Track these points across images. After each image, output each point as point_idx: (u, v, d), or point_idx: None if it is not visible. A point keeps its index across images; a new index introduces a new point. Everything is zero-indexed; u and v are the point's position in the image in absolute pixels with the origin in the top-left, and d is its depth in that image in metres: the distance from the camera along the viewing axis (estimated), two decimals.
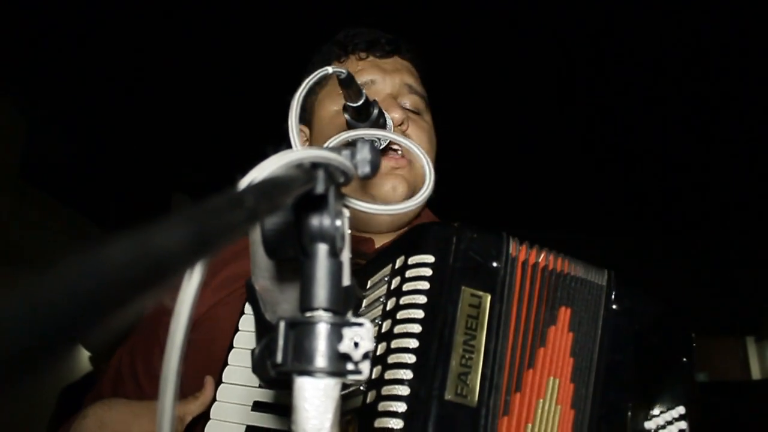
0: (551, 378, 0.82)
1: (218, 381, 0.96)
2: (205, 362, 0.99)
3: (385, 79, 1.18)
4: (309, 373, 0.46)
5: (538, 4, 3.53)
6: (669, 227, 6.44)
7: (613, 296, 0.89)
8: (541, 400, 0.81)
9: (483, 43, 3.85)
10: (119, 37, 3.73)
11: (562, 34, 3.76)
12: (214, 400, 0.96)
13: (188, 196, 5.73)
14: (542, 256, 0.86)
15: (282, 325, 0.47)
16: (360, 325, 0.46)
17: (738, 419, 6.33)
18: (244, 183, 0.39)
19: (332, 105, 1.17)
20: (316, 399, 0.46)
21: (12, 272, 3.79)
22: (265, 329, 0.69)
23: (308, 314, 0.47)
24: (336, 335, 0.46)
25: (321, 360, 0.46)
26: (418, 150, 0.71)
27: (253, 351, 0.64)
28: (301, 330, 0.47)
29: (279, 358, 0.47)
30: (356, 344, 0.45)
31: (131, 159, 5.09)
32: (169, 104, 4.38)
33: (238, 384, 0.96)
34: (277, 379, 0.50)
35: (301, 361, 0.46)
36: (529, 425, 0.79)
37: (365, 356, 0.46)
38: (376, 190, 1.11)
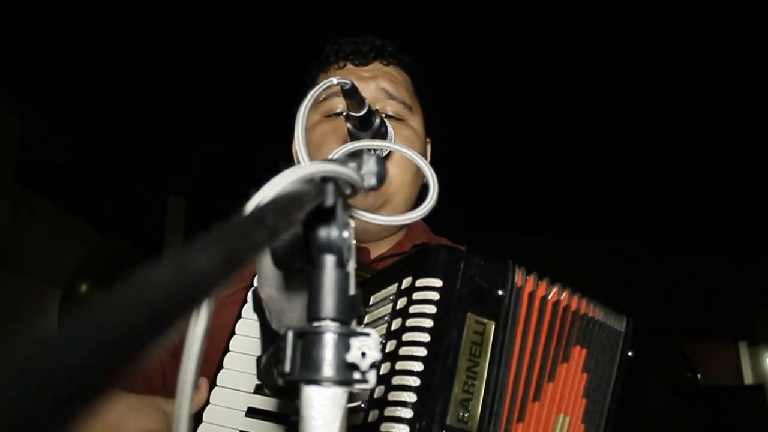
0: (561, 415, 0.82)
1: (212, 384, 0.96)
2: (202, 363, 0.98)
3: (362, 88, 1.17)
4: (317, 382, 0.47)
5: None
6: (662, 233, 6.47)
7: (629, 343, 0.89)
8: None
9: (493, 43, 3.84)
10: (115, 39, 3.73)
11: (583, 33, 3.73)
12: (207, 402, 0.95)
13: (184, 199, 5.73)
14: (553, 291, 0.85)
15: (290, 334, 0.48)
16: (367, 335, 0.47)
17: (730, 424, 6.36)
18: (256, 199, 0.40)
19: (313, 114, 1.17)
20: (323, 408, 0.47)
21: (8, 275, 3.78)
22: (270, 338, 0.70)
23: (316, 324, 0.48)
24: (343, 345, 0.47)
25: (329, 369, 0.47)
26: (420, 159, 0.72)
27: (259, 359, 0.65)
28: (308, 339, 0.48)
29: (287, 367, 0.48)
30: (363, 354, 0.46)
31: (127, 162, 5.09)
32: (165, 107, 4.38)
33: (233, 388, 0.96)
34: (284, 388, 0.51)
35: (309, 370, 0.47)
36: None
37: (372, 366, 0.47)
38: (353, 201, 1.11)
